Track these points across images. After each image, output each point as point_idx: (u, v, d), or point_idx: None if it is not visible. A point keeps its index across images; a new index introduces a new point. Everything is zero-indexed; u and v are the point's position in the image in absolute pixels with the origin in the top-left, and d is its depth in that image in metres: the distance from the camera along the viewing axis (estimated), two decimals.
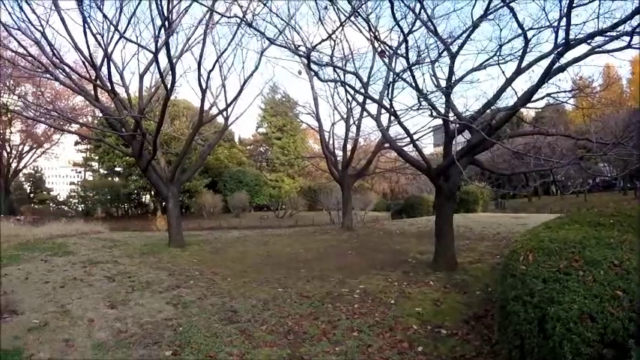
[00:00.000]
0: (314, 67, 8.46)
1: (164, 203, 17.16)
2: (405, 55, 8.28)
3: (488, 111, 9.13)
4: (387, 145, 16.81)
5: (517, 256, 4.58)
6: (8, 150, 30.47)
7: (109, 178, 42.63)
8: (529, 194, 43.82)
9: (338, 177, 19.29)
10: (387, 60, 10.48)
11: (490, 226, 17.37)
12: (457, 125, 9.02)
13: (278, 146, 49.53)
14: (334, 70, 11.58)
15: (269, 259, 11.82)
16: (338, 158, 20.06)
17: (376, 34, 9.00)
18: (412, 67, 8.08)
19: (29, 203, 43.11)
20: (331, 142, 20.20)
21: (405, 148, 12.71)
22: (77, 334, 5.88)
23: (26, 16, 11.00)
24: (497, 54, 8.40)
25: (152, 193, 38.73)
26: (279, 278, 9.32)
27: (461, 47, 8.41)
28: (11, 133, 30.33)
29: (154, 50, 10.81)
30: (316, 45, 8.24)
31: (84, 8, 10.50)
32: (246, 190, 41.05)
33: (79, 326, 6.19)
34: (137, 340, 5.74)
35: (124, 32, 11.00)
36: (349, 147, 19.14)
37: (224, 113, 15.20)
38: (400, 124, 9.53)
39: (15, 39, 12.19)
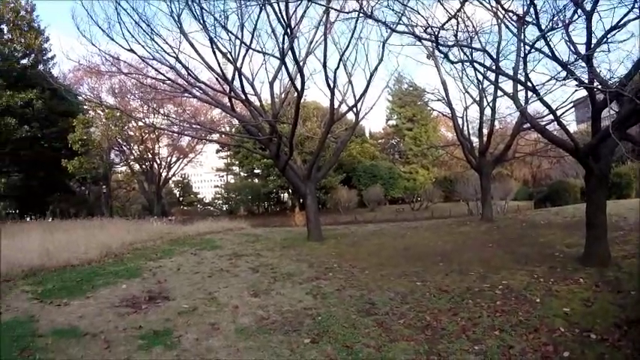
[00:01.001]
0: (442, 48, 8.11)
1: (302, 200, 17.94)
2: (535, 21, 7.51)
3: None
4: (526, 125, 15.48)
5: None
6: (158, 162, 34.45)
7: (249, 180, 46.18)
8: None
9: (475, 164, 18.23)
10: (515, 30, 9.64)
11: None
12: (605, 95, 7.86)
13: (410, 137, 48.74)
14: (460, 50, 11.00)
15: (406, 252, 11.65)
16: (474, 144, 19.01)
17: (500, 3, 8.32)
18: (545, 35, 7.27)
19: (179, 205, 48.78)
20: (465, 127, 19.18)
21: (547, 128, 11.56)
22: (222, 319, 6.43)
23: (160, 46, 12.49)
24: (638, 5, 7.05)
25: (290, 191, 40.89)
26: (417, 271, 9.14)
27: (596, 3, 7.30)
28: (159, 147, 34.61)
29: (279, 56, 11.46)
30: (444, 24, 7.94)
31: (209, 30, 11.59)
32: (380, 183, 41.07)
33: (225, 312, 6.77)
34: (278, 326, 6.09)
35: (250, 44, 11.80)
36: (485, 131, 17.94)
37: (354, 109, 15.38)
38: (541, 99, 8.66)
39: (152, 67, 13.81)
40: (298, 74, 11.92)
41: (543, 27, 7.50)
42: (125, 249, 12.39)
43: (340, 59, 13.47)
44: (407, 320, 6.20)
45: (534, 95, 8.75)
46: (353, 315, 6.46)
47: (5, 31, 26.85)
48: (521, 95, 13.25)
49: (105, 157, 30.90)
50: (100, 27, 12.05)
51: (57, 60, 30.14)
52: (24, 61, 27.72)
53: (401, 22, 9.20)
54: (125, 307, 6.99)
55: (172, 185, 49.75)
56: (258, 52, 12.53)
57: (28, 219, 26.78)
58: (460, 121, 18.77)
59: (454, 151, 29.70)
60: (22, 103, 25.31)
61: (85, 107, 30.63)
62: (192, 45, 12.59)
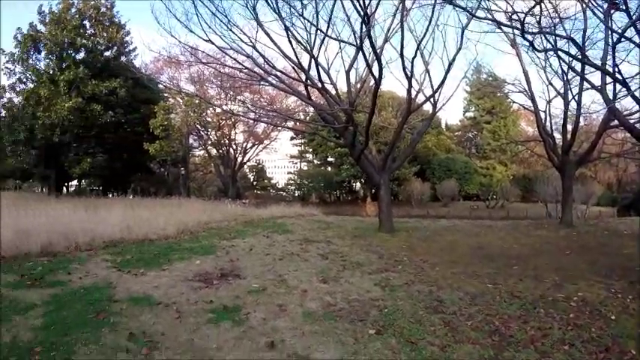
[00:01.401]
0: (527, 36, 7.48)
1: (374, 190, 17.75)
2: (623, 7, 6.68)
3: None
4: (613, 123, 14.20)
5: None
6: (234, 147, 35.59)
7: (323, 168, 46.41)
8: None
9: (557, 163, 17.02)
10: (602, 16, 8.69)
11: None
12: None
13: (488, 130, 46.31)
14: (544, 38, 10.21)
15: (479, 252, 11.27)
16: (557, 141, 17.69)
17: None
18: (635, 22, 6.45)
19: (252, 189, 50.11)
20: (547, 122, 17.92)
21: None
22: (290, 302, 6.44)
23: (237, 36, 12.89)
24: None
25: (362, 180, 40.59)
26: (490, 273, 8.75)
27: None
28: (236, 133, 35.78)
29: (356, 44, 11.28)
30: (530, 9, 7.33)
31: (284, 19, 11.62)
32: (455, 178, 39.75)
33: (293, 295, 6.79)
34: (344, 314, 5.97)
35: (326, 32, 11.67)
36: (569, 127, 16.67)
37: (431, 100, 14.84)
38: (631, 94, 7.80)
39: (230, 57, 14.10)
40: (375, 62, 11.65)
41: (633, 14, 6.66)
42: (200, 227, 12.89)
43: (417, 48, 12.98)
44: (474, 322, 5.89)
45: (624, 89, 7.83)
46: (420, 311, 6.24)
47: (88, 27, 29.18)
48: (610, 89, 12.09)
49: (184, 142, 32.47)
50: (178, 20, 12.53)
51: (138, 52, 32.07)
52: (107, 54, 30.17)
53: (481, 7, 8.67)
54: (198, 282, 7.20)
55: (247, 170, 51.21)
56: (335, 39, 12.42)
57: (110, 196, 29.33)
58: (542, 115, 17.65)
59: (534, 148, 27.82)
60: (106, 91, 27.40)
61: (165, 95, 32.83)
62: (267, 34, 12.74)
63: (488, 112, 46.88)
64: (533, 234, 14.50)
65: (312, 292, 6.95)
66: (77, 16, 28.31)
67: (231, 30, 12.56)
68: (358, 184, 44.98)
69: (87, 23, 29.07)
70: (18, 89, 28.45)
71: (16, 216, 10.97)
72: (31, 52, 28.39)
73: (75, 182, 39.78)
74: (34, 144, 27.62)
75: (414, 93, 14.27)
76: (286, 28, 12.00)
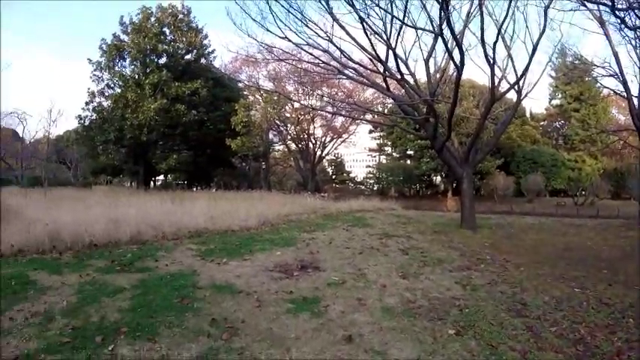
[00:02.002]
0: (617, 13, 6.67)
1: (455, 184, 17.09)
2: None
3: None
4: None
5: None
6: (313, 141, 35.95)
7: (402, 161, 45.48)
8: None
9: None
10: None
11: None
12: None
13: (576, 119, 42.33)
14: (635, 15, 9.15)
15: (566, 253, 10.61)
16: None
17: None
18: None
19: (331, 183, 50.26)
20: None
21: None
22: (369, 296, 6.30)
23: (313, 31, 12.87)
24: None
25: (443, 174, 39.34)
26: (577, 276, 8.11)
27: None
28: (314, 128, 35.95)
29: (436, 30, 10.85)
30: None
31: (358, 10, 11.39)
32: (541, 171, 37.18)
33: (372, 289, 6.65)
34: (423, 312, 5.79)
35: (403, 19, 11.27)
36: None
37: (515, 87, 13.92)
38: None
39: (306, 52, 14.15)
40: (456, 48, 11.11)
41: None
42: (281, 220, 13.16)
43: (498, 31, 12.15)
44: (559, 329, 5.43)
45: None
46: (502, 313, 5.89)
47: (168, 33, 31.40)
48: None
49: (264, 137, 33.36)
50: (253, 19, 12.97)
51: (217, 53, 34.44)
52: (187, 57, 32.37)
53: None
54: (278, 272, 7.29)
55: (326, 164, 51.44)
56: (412, 27, 11.97)
57: (195, 189, 31.13)
58: (635, 101, 15.80)
59: (627, 138, 25.24)
60: (189, 92, 29.35)
61: (244, 93, 34.11)
62: (342, 27, 12.58)
63: (576, 99, 42.91)
64: (624, 235, 13.52)
65: (392, 287, 6.80)
66: (156, 24, 30.57)
67: (306, 25, 12.62)
68: (438, 178, 43.54)
69: (166, 30, 31.24)
70: (106, 94, 31.28)
71: (107, 207, 11.78)
72: (117, 60, 31.16)
73: (161, 177, 43.11)
74: (123, 143, 30.02)
75: (496, 80, 13.49)
76: (361, 19, 11.81)
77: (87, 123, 31.15)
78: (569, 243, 11.95)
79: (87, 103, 30.83)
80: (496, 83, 13.38)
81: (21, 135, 38.46)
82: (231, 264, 7.66)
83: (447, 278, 7.49)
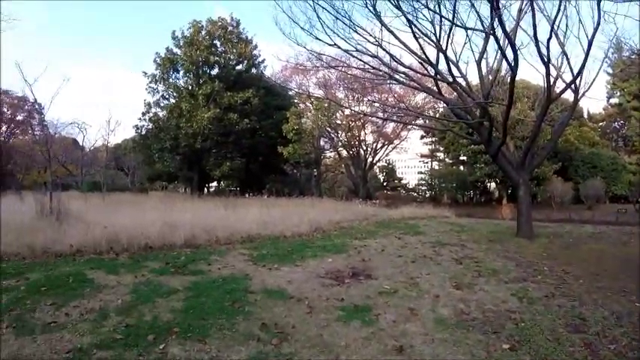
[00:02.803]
0: None
1: (511, 191, 16.38)
2: None
3: None
4: None
5: None
6: (364, 148, 35.86)
7: (455, 167, 44.50)
8: None
9: None
10: None
11: None
12: None
13: (636, 119, 39.90)
14: None
15: (628, 264, 9.76)
16: None
17: None
18: None
19: (383, 190, 49.84)
20: None
21: None
22: (421, 306, 6.09)
23: (363, 37, 12.76)
24: None
25: (497, 180, 38.09)
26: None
27: None
28: (365, 134, 35.98)
29: (487, 30, 10.53)
30: None
31: (406, 13, 11.23)
32: (601, 176, 35.20)
33: (424, 299, 6.42)
34: (477, 324, 5.53)
35: (453, 20, 10.96)
36: None
37: (572, 86, 13.18)
38: None
39: (356, 58, 14.10)
40: (509, 47, 10.62)
41: None
42: (332, 226, 13.15)
43: (551, 28, 11.50)
44: (618, 347, 4.99)
45: None
46: (560, 328, 5.49)
47: (218, 45, 32.57)
48: None
49: (315, 144, 33.61)
50: (302, 28, 12.94)
51: (267, 63, 35.12)
52: (238, 67, 33.54)
53: None
54: (329, 279, 7.21)
55: (377, 170, 51.24)
56: (462, 27, 11.53)
57: (247, 196, 31.86)
58: None
59: None
60: (241, 101, 30.33)
61: (295, 101, 34.70)
62: (391, 31, 12.40)
63: (635, 96, 40.11)
64: None
65: (445, 297, 6.55)
66: (207, 37, 31.73)
67: (355, 31, 12.57)
68: (493, 184, 42.16)
69: (217, 42, 32.42)
70: (162, 104, 32.91)
71: (163, 212, 12.14)
72: (171, 72, 32.78)
73: (215, 183, 44.36)
74: (178, 150, 31.28)
75: (551, 80, 12.79)
76: (409, 22, 11.57)
77: (143, 132, 32.88)
78: (631, 254, 11.10)
79: (143, 114, 32.60)
80: (551, 82, 12.73)
81: (81, 143, 40.79)
82: (282, 269, 7.67)
83: (503, 290, 7.13)
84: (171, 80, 32.74)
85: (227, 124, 30.00)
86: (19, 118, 41.15)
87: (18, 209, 12.15)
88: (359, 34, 12.71)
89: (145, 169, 42.21)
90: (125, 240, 8.66)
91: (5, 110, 41.16)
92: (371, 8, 11.97)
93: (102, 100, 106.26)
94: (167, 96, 33.03)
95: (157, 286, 6.20)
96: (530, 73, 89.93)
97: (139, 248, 8.61)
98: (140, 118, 32.69)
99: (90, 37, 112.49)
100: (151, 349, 4.26)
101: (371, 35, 12.73)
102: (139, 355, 4.15)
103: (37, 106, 28.87)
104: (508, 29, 11.95)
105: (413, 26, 11.74)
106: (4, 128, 41.43)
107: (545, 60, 11.24)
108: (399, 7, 11.38)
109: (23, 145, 39.70)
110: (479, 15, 11.08)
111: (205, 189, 38.54)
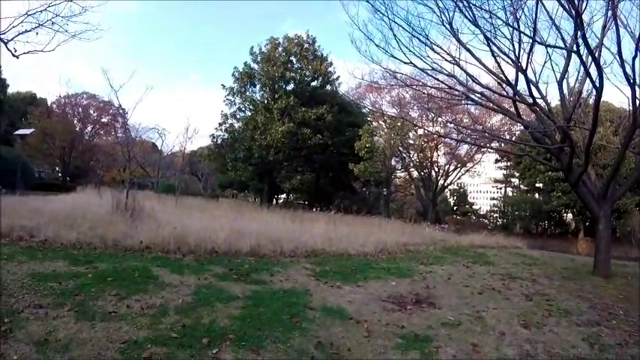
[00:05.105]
0: None
1: (587, 223, 15.13)
2: None
3: None
4: None
5: None
6: (436, 170, 34.99)
7: (529, 195, 42.29)
8: None
9: None
10: None
11: None
12: None
13: None
14: None
15: None
16: None
17: None
18: None
19: (452, 214, 48.35)
20: None
21: None
22: (485, 342, 5.73)
23: (439, 54, 12.27)
24: None
25: (575, 211, 35.65)
26: None
27: None
28: (438, 155, 35.16)
29: (571, 48, 9.86)
30: None
31: (483, 29, 10.75)
32: None
33: (489, 335, 6.03)
34: None
35: (533, 36, 10.39)
36: None
37: None
38: None
39: (432, 77, 13.77)
40: (592, 66, 9.86)
41: None
42: (398, 248, 12.76)
43: (636, 45, 10.48)
44: None
45: None
46: None
47: (294, 62, 33.32)
48: None
49: (386, 163, 33.19)
50: (377, 45, 12.62)
51: (342, 80, 35.27)
52: (313, 84, 34.08)
53: None
54: (391, 304, 6.97)
55: (448, 193, 49.89)
56: (542, 44, 10.84)
57: (315, 210, 32.20)
58: None
59: None
60: (314, 116, 30.79)
61: (368, 119, 34.48)
62: (467, 49, 11.95)
63: None
64: None
65: (511, 336, 6.09)
66: (284, 53, 32.63)
67: (432, 49, 12.20)
68: (569, 215, 39.38)
69: (293, 59, 33.17)
70: (238, 116, 34.23)
71: (232, 219, 12.38)
72: (247, 86, 34.00)
73: (284, 195, 45.30)
74: (251, 161, 32.18)
75: (637, 102, 11.76)
76: (487, 40, 11.07)
77: (219, 141, 34.25)
78: None
79: (220, 124, 34.01)
80: (637, 105, 11.67)
81: (159, 148, 43.22)
82: (344, 288, 7.51)
83: (573, 333, 6.54)
84: (248, 94, 33.97)
85: (300, 139, 30.58)
86: (104, 120, 44.92)
87: (96, 203, 12.92)
88: (435, 51, 12.36)
89: (218, 176, 44.11)
90: (192, 242, 8.93)
91: (92, 112, 45.22)
92: (447, 26, 11.57)
93: (182, 109, 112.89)
94: (243, 108, 34.27)
95: (218, 290, 6.27)
96: (614, 95, 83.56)
97: (205, 252, 8.83)
98: (217, 128, 34.13)
99: (174, 50, 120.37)
100: (204, 352, 4.29)
101: (447, 53, 12.37)
102: (191, 356, 4.19)
103: (121, 110, 31.10)
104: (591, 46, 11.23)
105: (491, 44, 11.29)
106: (89, 128, 45.47)
107: (631, 81, 10.35)
108: (476, 25, 10.94)
109: (106, 145, 42.89)
110: (559, 31, 10.47)
111: (274, 200, 39.31)
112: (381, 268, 9.64)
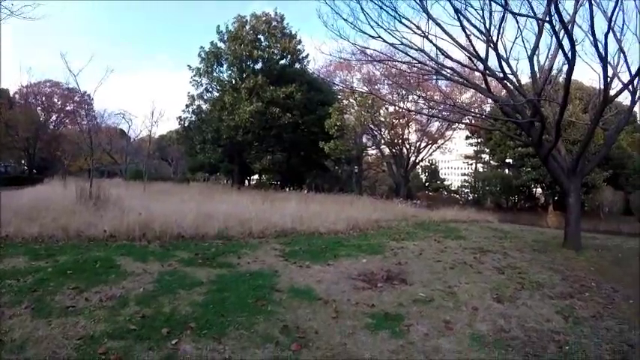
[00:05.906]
0: None
1: (557, 198, 15.43)
2: None
3: None
4: None
5: None
6: (407, 147, 35.19)
7: (500, 170, 43.14)
8: None
9: None
10: None
11: None
12: None
13: None
14: None
15: None
16: None
17: None
18: None
19: (424, 190, 49.02)
20: None
21: None
22: (458, 319, 5.67)
23: (408, 28, 12.08)
24: None
25: (544, 186, 36.58)
26: None
27: None
28: (409, 133, 35.26)
29: (544, 19, 9.82)
30: None
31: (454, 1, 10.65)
32: None
33: (462, 311, 5.99)
34: (517, 345, 5.09)
35: (505, 6, 10.29)
36: None
37: (630, 87, 12.16)
38: None
39: (401, 52, 13.60)
40: (565, 38, 9.85)
41: None
42: (370, 225, 12.72)
43: (609, 21, 10.55)
44: None
45: None
46: (606, 355, 5.03)
47: (262, 40, 32.81)
48: None
49: (357, 141, 33.39)
50: (345, 20, 12.47)
51: (310, 58, 35.20)
52: (282, 62, 33.72)
53: None
54: (361, 282, 6.87)
55: (419, 170, 50.48)
56: (515, 14, 10.77)
57: (287, 190, 32.08)
58: None
59: None
60: (283, 95, 30.50)
61: (338, 96, 34.29)
62: (437, 24, 11.80)
63: None
64: None
65: (484, 311, 6.06)
66: (251, 32, 32.07)
67: (400, 22, 12.00)
68: (539, 190, 40.49)
69: (261, 37, 32.70)
70: (205, 97, 33.87)
71: (200, 202, 12.12)
72: (215, 66, 33.41)
73: (256, 176, 45.13)
74: (220, 143, 32.03)
75: (608, 79, 11.87)
76: (456, 11, 10.95)
77: (186, 124, 33.86)
78: None
79: (187, 106, 33.61)
80: (608, 83, 11.81)
81: (127, 133, 42.28)
82: (313, 268, 7.39)
83: (547, 306, 6.58)
84: (215, 74, 33.43)
85: (269, 118, 30.30)
86: (69, 108, 43.57)
87: (60, 193, 12.47)
88: (404, 24, 12.21)
89: (188, 159, 43.43)
90: (158, 228, 8.68)
91: (56, 101, 43.91)
92: (418, 1, 11.49)
93: (147, 91, 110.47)
94: (210, 89, 33.85)
95: (181, 276, 6.10)
96: (584, 73, 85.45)
97: (171, 237, 8.60)
98: (184, 110, 33.77)
99: (136, 33, 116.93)
100: (163, 344, 4.12)
101: (417, 27, 12.21)
102: (149, 349, 4.02)
103: (86, 97, 30.10)
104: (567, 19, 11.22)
105: (461, 16, 11.15)
106: (53, 117, 44.38)
107: (603, 56, 10.40)
108: None
109: (71, 134, 41.69)
110: (531, 5, 10.43)
111: (246, 181, 39.03)
112: (352, 246, 9.55)
